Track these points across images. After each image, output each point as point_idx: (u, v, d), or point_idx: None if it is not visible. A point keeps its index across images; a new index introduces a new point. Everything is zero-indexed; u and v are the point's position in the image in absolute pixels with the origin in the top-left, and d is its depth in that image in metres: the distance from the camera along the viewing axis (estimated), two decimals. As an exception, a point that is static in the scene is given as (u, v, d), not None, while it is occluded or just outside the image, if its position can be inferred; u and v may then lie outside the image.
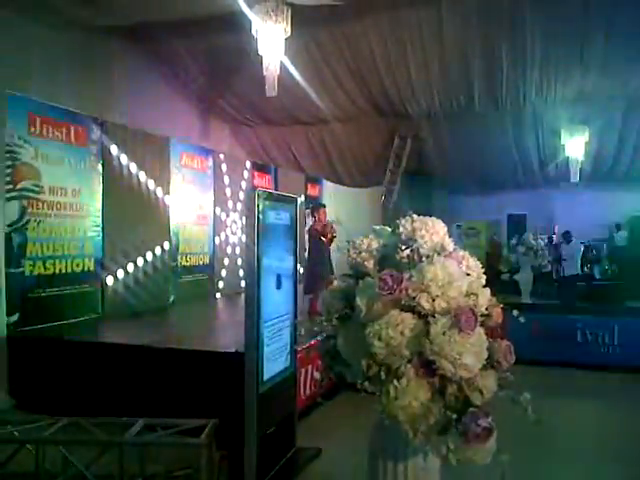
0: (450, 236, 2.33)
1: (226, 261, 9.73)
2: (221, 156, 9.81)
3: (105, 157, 7.05)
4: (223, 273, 9.65)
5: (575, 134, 14.25)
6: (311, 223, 7.59)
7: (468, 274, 2.16)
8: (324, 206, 7.88)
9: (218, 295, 9.35)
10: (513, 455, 1.91)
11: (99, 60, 9.16)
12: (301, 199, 12.23)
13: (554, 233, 16.12)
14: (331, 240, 7.07)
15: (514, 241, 14.52)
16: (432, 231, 2.20)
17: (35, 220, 6.07)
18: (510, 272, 13.22)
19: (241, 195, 9.87)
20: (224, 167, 9.66)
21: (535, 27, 10.87)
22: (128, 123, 7.95)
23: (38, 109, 6.17)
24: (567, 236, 12.41)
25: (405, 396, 1.90)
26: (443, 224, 2.28)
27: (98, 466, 3.55)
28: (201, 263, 9.08)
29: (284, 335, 4.24)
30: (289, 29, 8.00)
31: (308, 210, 12.18)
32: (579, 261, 11.96)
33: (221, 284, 9.58)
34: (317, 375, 5.22)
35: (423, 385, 1.92)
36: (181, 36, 11.43)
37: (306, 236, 7.75)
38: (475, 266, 2.23)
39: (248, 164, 10.89)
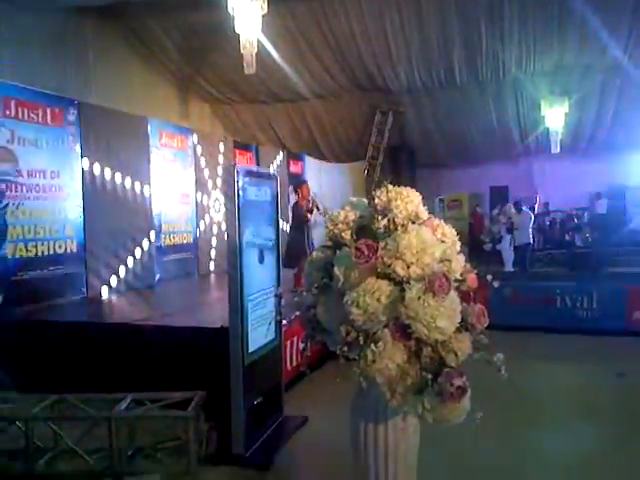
0: (432, 210, 2.38)
1: (214, 241, 9.76)
2: (200, 135, 9.74)
3: (83, 138, 6.97)
4: (211, 253, 9.68)
5: (555, 105, 14.32)
6: (295, 200, 7.63)
7: (443, 241, 2.21)
8: (306, 182, 7.92)
9: (211, 273, 9.43)
10: (486, 413, 1.99)
11: (74, 41, 9.01)
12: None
13: (535, 203, 16.32)
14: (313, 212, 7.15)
15: (496, 212, 14.68)
16: (407, 200, 2.24)
17: (14, 203, 6.02)
18: (493, 242, 13.38)
19: (217, 171, 9.84)
20: (204, 146, 9.60)
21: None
22: (105, 103, 7.85)
23: (12, 92, 6.08)
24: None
25: (382, 359, 1.96)
26: (418, 193, 2.32)
27: (88, 441, 3.61)
28: (185, 242, 9.08)
29: (268, 308, 4.29)
30: (265, 6, 7.90)
31: (291, 187, 12.20)
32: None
33: (209, 263, 9.61)
34: (302, 346, 5.29)
35: (399, 348, 1.99)
36: (157, 15, 11.25)
37: (289, 212, 7.79)
38: (450, 233, 2.28)
39: (229, 143, 10.83)
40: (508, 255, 12.28)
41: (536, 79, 13.73)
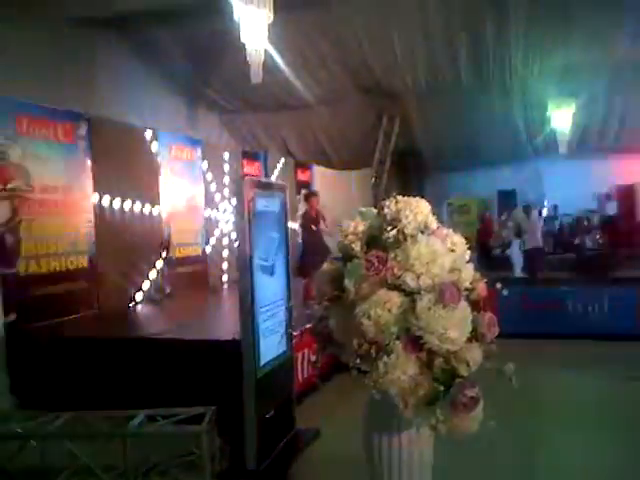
0: (440, 214, 2.39)
1: (225, 252, 9.80)
2: (207, 145, 9.81)
3: (94, 153, 7.04)
4: (222, 265, 9.73)
5: (562, 106, 14.28)
6: (303, 211, 7.74)
7: (452, 250, 2.21)
8: (316, 194, 8.01)
9: (224, 286, 9.49)
10: (499, 423, 1.99)
11: (82, 55, 9.09)
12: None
13: (544, 206, 16.25)
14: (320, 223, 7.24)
15: (504, 217, 14.63)
16: (416, 210, 2.24)
17: (27, 219, 6.09)
18: (502, 248, 13.33)
19: (226, 182, 9.90)
20: (211, 156, 9.67)
21: (518, -1, 10.87)
22: (114, 117, 7.92)
23: (23, 109, 6.16)
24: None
25: (395, 370, 1.97)
26: (427, 203, 2.33)
27: (102, 458, 3.63)
28: (194, 254, 9.12)
29: (279, 320, 4.30)
30: (272, 15, 7.96)
31: (299, 196, 12.25)
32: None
33: (219, 275, 9.65)
34: (314, 358, 5.30)
35: (411, 359, 1.99)
36: (164, 25, 11.34)
37: (298, 222, 7.88)
38: (459, 243, 2.28)
39: (237, 152, 10.89)
40: (517, 260, 12.22)
41: (543, 80, 13.68)
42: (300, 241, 7.72)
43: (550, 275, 11.09)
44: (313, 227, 7.25)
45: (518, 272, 12.02)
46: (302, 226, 7.58)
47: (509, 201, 16.50)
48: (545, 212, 15.92)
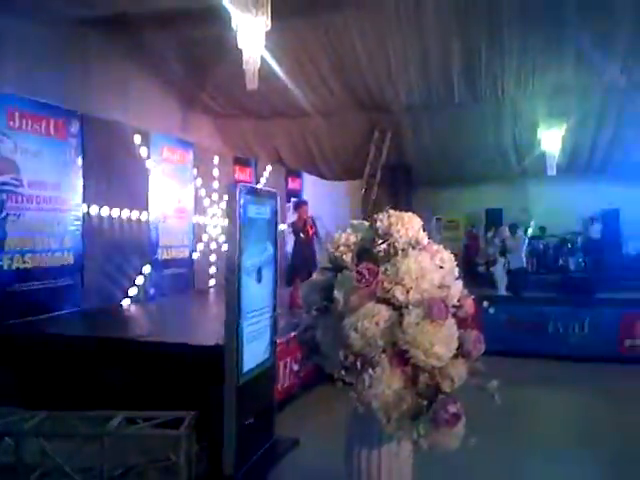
0: (429, 229, 2.41)
1: (212, 256, 9.78)
2: (198, 149, 9.81)
3: (85, 151, 7.00)
4: (211, 270, 9.71)
5: (552, 127, 14.43)
6: (293, 219, 7.80)
7: (441, 267, 2.23)
8: (306, 203, 8.05)
9: (209, 288, 9.47)
10: (481, 440, 1.99)
11: (77, 53, 9.05)
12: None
13: (530, 226, 16.40)
14: (313, 234, 7.27)
15: (491, 234, 14.74)
16: (408, 225, 2.26)
17: (14, 214, 6.02)
18: (487, 265, 13.42)
19: (216, 187, 9.89)
20: (202, 160, 9.66)
21: (512, 19, 10.99)
22: (107, 116, 7.89)
23: (17, 103, 6.11)
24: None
25: (379, 384, 1.97)
26: (419, 219, 2.35)
27: (78, 459, 3.58)
28: (181, 256, 9.08)
29: (264, 327, 4.29)
30: (269, 22, 7.99)
31: (289, 204, 12.27)
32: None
33: (205, 278, 9.62)
34: (296, 367, 5.29)
35: (396, 374, 2.00)
36: (161, 29, 11.32)
37: (290, 239, 7.97)
38: (448, 259, 2.30)
39: (228, 158, 10.89)
40: (501, 278, 12.31)
41: (534, 100, 13.84)
42: (289, 249, 7.75)
43: (533, 295, 11.17)
44: (302, 236, 7.28)
45: (502, 290, 12.10)
46: (292, 234, 7.63)
47: (496, 219, 16.64)
48: (530, 232, 16.06)
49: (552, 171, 15.12)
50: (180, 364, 4.45)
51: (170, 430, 3.51)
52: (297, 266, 7.00)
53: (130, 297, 7.72)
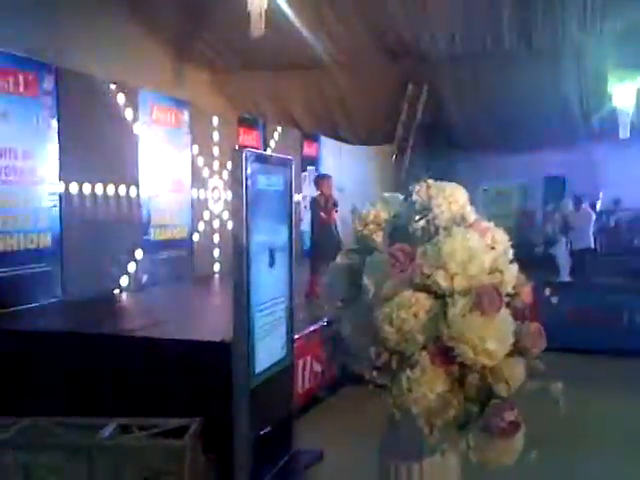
0: (473, 203, 2.40)
1: (216, 237, 9.87)
2: (195, 109, 9.83)
3: (61, 111, 7.03)
4: (215, 252, 9.81)
5: (625, 79, 14.19)
6: (313, 197, 7.88)
7: (493, 248, 2.23)
8: (328, 177, 8.09)
9: (213, 274, 9.58)
10: (543, 454, 2.01)
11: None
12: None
13: (598, 199, 16.21)
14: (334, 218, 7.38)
15: (550, 209, 14.60)
16: (450, 199, 2.26)
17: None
18: (545, 245, 13.33)
19: (216, 154, 9.93)
20: (200, 122, 9.68)
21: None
22: (86, 70, 7.93)
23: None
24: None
25: (420, 387, 1.99)
26: (464, 190, 2.35)
27: (64, 474, 3.67)
28: (178, 237, 9.16)
29: (279, 321, 4.34)
30: (278, -45, 7.97)
31: (305, 173, 12.29)
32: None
33: (208, 263, 9.73)
34: (318, 367, 5.34)
35: (440, 374, 2.01)
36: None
37: (306, 216, 8.06)
38: (501, 239, 2.30)
39: (232, 119, 10.90)
40: (564, 261, 12.23)
41: (603, 45, 13.57)
42: (309, 231, 7.84)
43: (603, 280, 11.09)
44: (323, 215, 7.36)
45: (565, 276, 12.03)
46: (312, 214, 7.72)
47: (556, 190, 16.47)
48: (599, 205, 15.88)
49: (625, 132, 14.89)
50: (182, 364, 4.52)
51: (172, 440, 3.57)
52: (319, 251, 7.08)
53: (119, 285, 7.83)
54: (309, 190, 11.15)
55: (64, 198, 7.10)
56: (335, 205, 7.52)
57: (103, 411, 3.96)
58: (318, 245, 7.38)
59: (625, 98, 14.49)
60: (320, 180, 7.98)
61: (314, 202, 7.80)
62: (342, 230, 7.29)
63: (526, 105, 15.58)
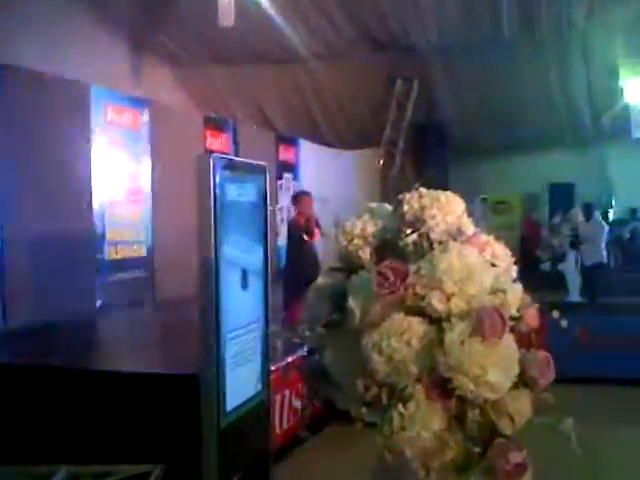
0: (471, 214, 2.42)
1: (181, 256, 9.80)
2: (160, 108, 9.82)
3: (5, 111, 7.01)
4: (178, 272, 9.73)
5: (637, 72, 14.41)
6: (292, 218, 7.92)
7: (494, 265, 2.24)
8: (307, 193, 8.12)
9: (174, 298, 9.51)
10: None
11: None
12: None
13: (611, 207, 16.40)
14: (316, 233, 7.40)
15: (558, 219, 14.75)
16: (446, 209, 2.27)
17: None
18: (553, 261, 13.45)
19: (180, 159, 9.90)
20: (163, 123, 9.67)
21: None
22: (30, 64, 7.91)
23: None
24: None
25: (414, 425, 1.99)
26: (461, 200, 2.36)
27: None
28: (136, 255, 9.11)
29: (253, 350, 4.32)
30: None
31: (280, 181, 12.31)
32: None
33: (171, 285, 9.64)
34: (298, 403, 5.33)
35: (436, 410, 2.01)
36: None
37: (283, 229, 8.05)
38: (503, 254, 2.31)
39: (197, 119, 10.89)
40: (574, 279, 12.33)
41: (613, 34, 13.78)
42: (286, 255, 7.86)
43: (618, 300, 11.18)
44: (307, 238, 7.37)
45: (575, 295, 12.13)
46: (290, 236, 7.73)
47: (564, 199, 16.64)
48: (612, 215, 16.07)
49: (638, 132, 15.10)
50: (141, 401, 4.48)
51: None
52: (299, 277, 7.05)
53: (67, 312, 7.74)
54: (286, 200, 11.16)
55: (3, 211, 7.04)
56: (318, 226, 7.52)
57: (50, 457, 3.90)
58: (296, 265, 7.37)
59: (637, 93, 14.70)
60: (300, 198, 7.99)
61: (293, 225, 7.80)
62: (323, 246, 7.29)
63: (529, 102, 15.75)
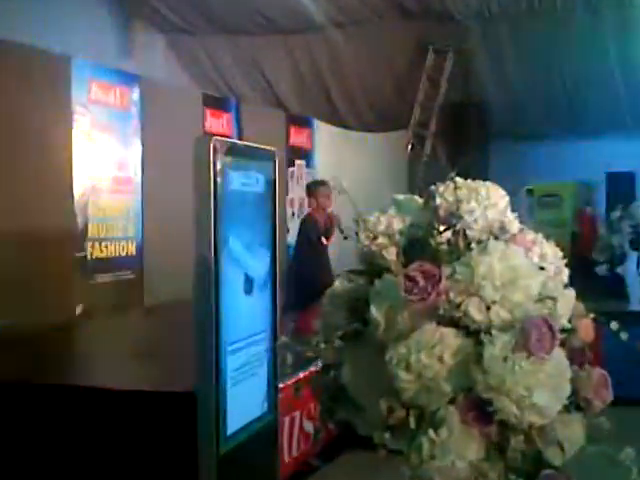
0: (515, 208, 2.41)
1: (176, 254, 9.83)
2: (152, 85, 9.86)
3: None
4: (172, 273, 9.77)
5: None
6: (305, 214, 7.78)
7: (542, 268, 2.24)
8: (326, 183, 7.80)
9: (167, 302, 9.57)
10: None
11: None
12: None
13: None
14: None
15: (617, 214, 14.66)
16: (486, 203, 2.27)
17: None
18: (612, 263, 13.38)
19: (176, 142, 9.94)
20: (157, 102, 9.71)
21: None
22: (1, 34, 7.96)
23: None
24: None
25: (446, 453, 1.99)
26: (503, 191, 2.36)
27: None
28: (123, 254, 9.15)
29: (258, 364, 4.34)
30: None
31: (292, 169, 12.32)
32: None
33: (163, 288, 9.69)
34: (310, 426, 5.34)
35: (473, 437, 2.01)
36: None
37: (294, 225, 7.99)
38: (553, 255, 2.31)
39: (195, 97, 10.94)
40: (634, 284, 12.29)
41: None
42: (295, 258, 7.79)
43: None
44: (324, 242, 7.26)
45: (636, 303, 12.07)
46: (301, 237, 7.59)
47: (624, 190, 16.55)
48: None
49: None
50: (130, 423, 4.51)
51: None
52: (310, 279, 7.02)
53: (45, 319, 7.80)
54: (297, 192, 11.17)
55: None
56: (338, 226, 7.43)
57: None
58: (308, 266, 7.30)
59: None
60: (315, 188, 7.87)
61: (309, 222, 7.67)
62: (338, 245, 7.24)
63: (584, 80, 15.70)
